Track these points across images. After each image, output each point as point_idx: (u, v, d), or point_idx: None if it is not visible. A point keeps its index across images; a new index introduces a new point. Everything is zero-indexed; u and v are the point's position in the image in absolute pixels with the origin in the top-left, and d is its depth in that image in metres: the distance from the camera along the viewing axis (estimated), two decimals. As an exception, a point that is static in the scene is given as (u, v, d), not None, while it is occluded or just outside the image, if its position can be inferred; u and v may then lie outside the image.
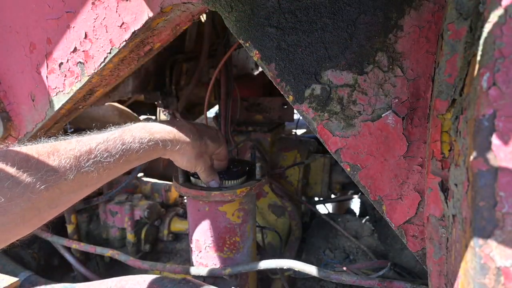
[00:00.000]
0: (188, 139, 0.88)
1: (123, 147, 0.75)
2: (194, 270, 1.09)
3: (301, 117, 0.77)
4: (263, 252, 1.42)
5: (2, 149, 0.64)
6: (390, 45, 0.65)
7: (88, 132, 0.76)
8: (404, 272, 1.14)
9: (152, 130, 0.82)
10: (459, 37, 0.52)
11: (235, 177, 1.06)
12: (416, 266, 1.27)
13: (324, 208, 2.17)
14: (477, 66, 0.41)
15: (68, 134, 0.74)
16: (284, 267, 1.04)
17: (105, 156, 0.72)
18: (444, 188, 0.57)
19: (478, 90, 0.39)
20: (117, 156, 0.74)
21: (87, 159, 0.69)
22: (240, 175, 1.07)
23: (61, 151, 0.67)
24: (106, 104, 1.87)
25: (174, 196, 1.72)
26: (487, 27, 0.39)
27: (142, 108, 2.71)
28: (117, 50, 0.78)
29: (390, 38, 0.64)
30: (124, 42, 0.77)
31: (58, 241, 1.41)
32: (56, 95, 0.88)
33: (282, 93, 0.70)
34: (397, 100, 0.66)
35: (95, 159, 0.70)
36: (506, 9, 0.37)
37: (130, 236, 1.50)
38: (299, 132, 2.78)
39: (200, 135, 0.93)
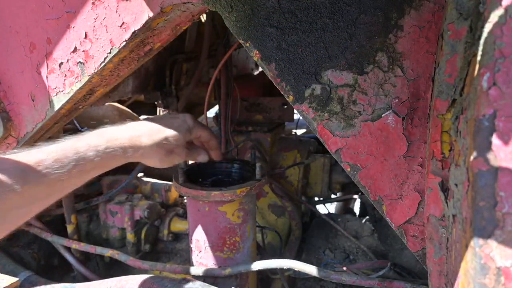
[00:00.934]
0: (149, 142, 0.83)
1: (76, 157, 0.71)
2: (194, 270, 1.09)
3: (301, 117, 0.77)
4: (263, 252, 1.42)
5: None
6: (390, 45, 0.65)
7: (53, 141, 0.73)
8: (404, 272, 1.14)
9: (109, 137, 0.78)
10: (459, 37, 0.52)
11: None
12: (416, 266, 1.27)
13: (324, 208, 2.17)
14: (477, 66, 0.41)
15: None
16: (284, 267, 1.04)
17: (56, 167, 0.68)
18: (444, 188, 0.57)
19: (478, 90, 0.39)
20: (69, 166, 0.70)
21: (35, 170, 0.66)
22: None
23: (7, 164, 0.64)
24: (106, 104, 1.87)
25: (174, 196, 1.72)
26: (487, 27, 0.39)
27: (142, 108, 2.71)
28: (117, 50, 0.78)
29: (390, 38, 0.64)
30: (124, 42, 0.77)
31: (58, 241, 1.41)
32: (56, 95, 0.88)
33: (282, 93, 0.70)
34: (397, 100, 0.66)
35: (46, 170, 0.67)
36: (506, 9, 0.37)
37: (130, 236, 1.50)
38: (299, 132, 2.78)
39: (161, 133, 0.86)
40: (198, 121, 0.96)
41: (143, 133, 0.84)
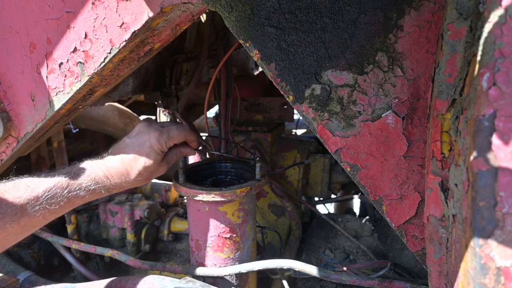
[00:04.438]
0: (126, 184, 0.94)
1: (69, 195, 0.83)
2: (194, 270, 1.09)
3: (301, 117, 0.77)
4: (263, 252, 1.42)
5: None
6: (390, 45, 0.65)
7: (39, 174, 0.84)
8: (404, 272, 1.14)
9: (98, 179, 0.89)
10: (459, 37, 0.52)
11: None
12: (416, 266, 1.27)
13: (324, 208, 2.17)
14: (477, 66, 0.41)
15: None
16: (284, 267, 1.04)
17: (51, 202, 0.80)
18: (444, 188, 0.57)
19: (478, 90, 0.39)
20: (62, 203, 0.82)
21: (33, 205, 0.78)
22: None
23: (8, 199, 0.75)
24: (106, 104, 1.87)
25: (174, 196, 1.72)
26: (487, 27, 0.39)
27: (142, 108, 2.72)
28: (117, 50, 0.78)
29: (390, 38, 0.64)
30: (124, 42, 0.76)
31: (58, 241, 1.41)
32: (56, 95, 0.88)
33: (282, 93, 0.70)
34: (397, 100, 0.66)
35: (41, 205, 0.79)
36: (506, 9, 0.37)
37: (130, 236, 1.50)
38: (299, 132, 2.78)
39: (134, 170, 0.93)
40: (165, 131, 0.97)
41: (120, 173, 0.93)
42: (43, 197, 0.79)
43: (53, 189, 0.81)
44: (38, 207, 0.78)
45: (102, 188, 0.90)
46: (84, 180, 0.87)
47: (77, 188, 0.85)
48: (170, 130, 0.97)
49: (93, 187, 0.88)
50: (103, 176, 0.90)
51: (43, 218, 0.80)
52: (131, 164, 0.93)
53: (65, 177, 0.85)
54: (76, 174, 0.87)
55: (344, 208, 2.60)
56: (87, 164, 0.92)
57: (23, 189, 0.78)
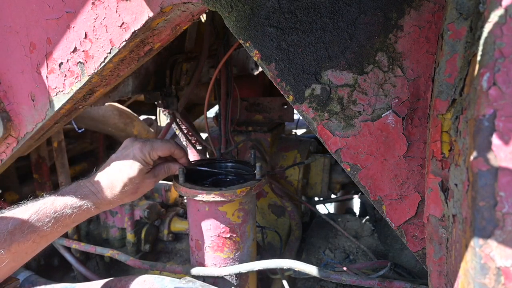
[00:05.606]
0: (112, 196, 0.93)
1: (55, 215, 0.82)
2: (194, 270, 1.09)
3: (301, 117, 0.77)
4: (263, 252, 1.42)
5: None
6: (390, 45, 0.65)
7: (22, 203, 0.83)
8: (404, 272, 1.14)
9: (83, 195, 0.89)
10: (459, 37, 0.52)
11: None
12: (416, 266, 1.27)
13: (324, 208, 2.17)
14: (477, 66, 0.41)
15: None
16: (284, 267, 1.04)
17: (39, 225, 0.80)
18: (444, 188, 0.57)
19: (478, 90, 0.39)
20: (50, 224, 0.82)
21: (22, 230, 0.78)
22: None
23: None
24: (106, 104, 1.87)
25: (174, 196, 1.72)
26: (487, 27, 0.39)
27: (142, 108, 2.71)
28: (117, 50, 0.78)
29: (390, 38, 0.64)
30: (124, 42, 0.76)
31: (58, 241, 1.41)
32: (56, 95, 0.88)
33: (282, 93, 0.70)
34: (397, 100, 0.66)
35: (30, 229, 0.79)
36: (506, 9, 0.37)
37: (130, 236, 1.50)
38: (299, 132, 2.78)
39: (118, 183, 0.93)
40: (149, 142, 0.99)
41: (106, 186, 0.93)
42: (30, 220, 0.79)
43: (39, 211, 0.81)
44: (26, 231, 0.78)
45: (89, 204, 0.90)
46: (70, 198, 0.87)
47: (63, 207, 0.84)
48: (154, 142, 0.99)
49: (80, 203, 0.87)
50: (89, 191, 0.91)
51: (33, 242, 0.80)
52: (116, 176, 0.94)
53: (50, 198, 0.85)
54: (61, 194, 0.87)
55: (344, 208, 2.60)
56: (73, 184, 0.93)
57: (10, 215, 0.79)
